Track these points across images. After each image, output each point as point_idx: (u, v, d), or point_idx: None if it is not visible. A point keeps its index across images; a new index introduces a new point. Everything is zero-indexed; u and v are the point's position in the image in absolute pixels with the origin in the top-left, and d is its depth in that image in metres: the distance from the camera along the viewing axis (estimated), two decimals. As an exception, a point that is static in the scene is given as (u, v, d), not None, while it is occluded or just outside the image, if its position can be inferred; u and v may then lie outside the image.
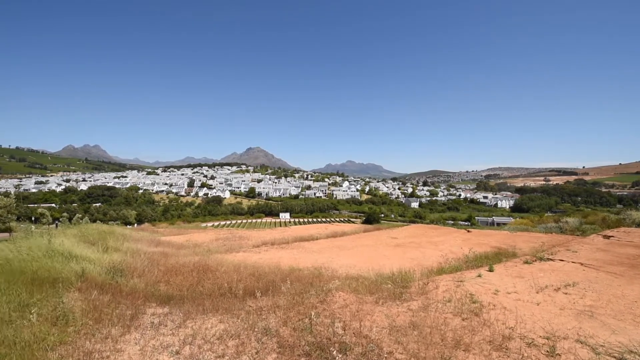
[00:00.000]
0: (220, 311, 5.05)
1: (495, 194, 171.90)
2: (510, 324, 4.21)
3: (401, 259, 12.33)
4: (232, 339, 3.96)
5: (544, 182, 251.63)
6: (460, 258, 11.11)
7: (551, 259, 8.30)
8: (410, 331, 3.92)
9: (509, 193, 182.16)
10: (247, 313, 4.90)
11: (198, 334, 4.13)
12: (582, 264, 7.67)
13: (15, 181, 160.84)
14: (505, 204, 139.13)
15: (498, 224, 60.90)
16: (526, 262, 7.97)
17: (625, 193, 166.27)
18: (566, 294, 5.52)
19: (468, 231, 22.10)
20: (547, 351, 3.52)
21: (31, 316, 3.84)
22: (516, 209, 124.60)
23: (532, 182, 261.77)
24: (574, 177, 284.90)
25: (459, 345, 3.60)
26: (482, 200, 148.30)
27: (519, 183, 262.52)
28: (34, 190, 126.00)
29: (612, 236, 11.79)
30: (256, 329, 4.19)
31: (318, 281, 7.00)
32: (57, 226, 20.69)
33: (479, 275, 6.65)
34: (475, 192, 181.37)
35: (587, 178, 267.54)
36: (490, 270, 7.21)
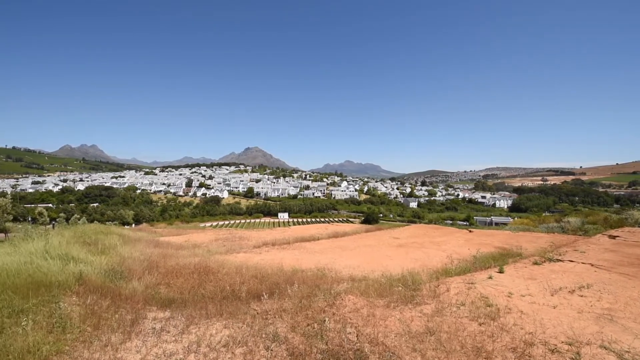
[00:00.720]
0: (224, 315, 4.84)
1: (494, 194, 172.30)
2: (529, 329, 4.03)
3: (405, 260, 12.15)
4: (239, 346, 3.74)
5: (542, 182, 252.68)
6: (466, 259, 10.95)
7: (560, 260, 8.14)
8: (427, 337, 3.73)
9: (507, 193, 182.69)
10: (253, 317, 4.69)
11: (202, 340, 3.91)
12: (592, 265, 7.51)
13: (12, 181, 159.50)
14: (504, 203, 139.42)
15: (497, 224, 60.93)
16: (536, 263, 7.80)
17: (622, 193, 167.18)
18: (582, 296, 5.35)
19: (470, 231, 21.96)
20: (572, 358, 3.34)
21: (25, 323, 3.61)
22: (514, 209, 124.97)
23: (529, 182, 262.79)
24: (572, 177, 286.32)
25: (479, 352, 3.40)
26: (480, 200, 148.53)
27: (517, 183, 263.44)
28: (30, 191, 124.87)
29: (618, 236, 11.66)
30: (264, 335, 3.98)
31: (323, 283, 6.80)
32: (54, 227, 20.36)
33: (490, 277, 6.48)
34: (474, 192, 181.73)
35: (584, 178, 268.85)
36: (501, 271, 7.04)
